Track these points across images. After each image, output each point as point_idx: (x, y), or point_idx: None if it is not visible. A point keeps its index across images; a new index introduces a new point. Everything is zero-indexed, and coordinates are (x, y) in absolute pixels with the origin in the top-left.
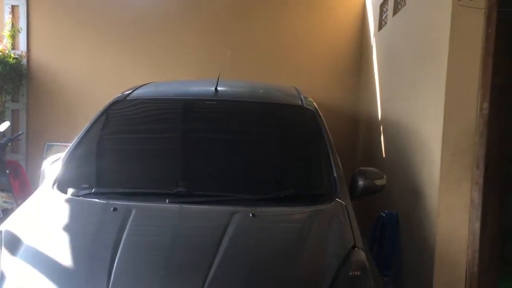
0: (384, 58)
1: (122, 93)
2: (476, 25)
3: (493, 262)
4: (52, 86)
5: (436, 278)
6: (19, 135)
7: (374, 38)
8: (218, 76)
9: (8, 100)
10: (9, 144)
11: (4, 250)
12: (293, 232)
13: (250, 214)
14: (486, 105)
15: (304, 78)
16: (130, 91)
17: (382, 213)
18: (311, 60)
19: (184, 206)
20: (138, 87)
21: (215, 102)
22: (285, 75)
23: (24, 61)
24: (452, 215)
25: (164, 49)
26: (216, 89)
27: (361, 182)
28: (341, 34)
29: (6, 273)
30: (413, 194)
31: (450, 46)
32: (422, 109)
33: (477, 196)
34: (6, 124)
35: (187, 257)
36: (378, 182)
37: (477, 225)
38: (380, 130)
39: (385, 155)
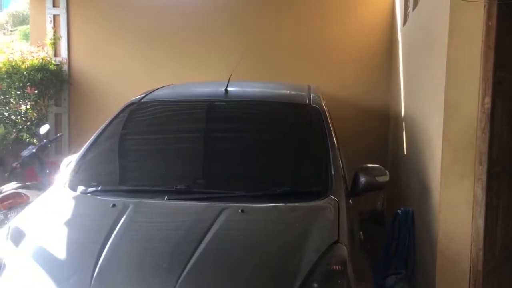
0: (406, 54)
1: (139, 95)
2: (476, 18)
3: (502, 261)
4: (92, 90)
5: (438, 275)
6: (58, 137)
7: (400, 33)
8: (229, 77)
9: (51, 104)
10: (49, 145)
11: (9, 242)
12: (277, 227)
13: (239, 210)
14: (488, 99)
15: (333, 76)
16: (145, 94)
17: (398, 211)
18: (340, 57)
19: (180, 202)
20: (154, 90)
21: (224, 103)
22: (313, 73)
23: (65, 67)
24: (454, 211)
25: (193, 50)
26: (226, 90)
27: (362, 179)
28: (370, 30)
29: (6, 263)
30: (421, 191)
31: (450, 40)
32: (427, 105)
33: (480, 193)
34: (46, 127)
35: (169, 251)
36: (380, 179)
37: (481, 222)
38: (403, 127)
39: (406, 152)
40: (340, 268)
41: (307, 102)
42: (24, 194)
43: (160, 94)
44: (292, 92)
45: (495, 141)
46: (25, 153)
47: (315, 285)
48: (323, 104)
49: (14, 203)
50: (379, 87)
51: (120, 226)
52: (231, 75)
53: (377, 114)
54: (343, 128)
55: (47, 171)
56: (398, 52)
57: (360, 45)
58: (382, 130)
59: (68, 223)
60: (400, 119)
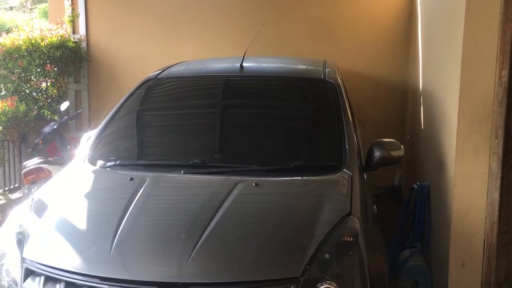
0: (424, 27)
1: (155, 71)
2: None
3: None
4: (110, 67)
5: (452, 248)
6: (78, 113)
7: (419, 6)
8: (244, 53)
9: (71, 81)
10: (70, 122)
11: (32, 213)
12: (290, 200)
13: (253, 184)
14: (505, 72)
15: (351, 51)
16: (161, 70)
17: (414, 185)
18: (359, 31)
19: (196, 176)
20: (170, 66)
21: (238, 79)
22: (330, 48)
23: (84, 44)
24: (469, 185)
25: (210, 26)
26: (241, 65)
27: (377, 153)
28: (389, 3)
29: (30, 233)
30: (437, 165)
31: (467, 12)
32: (444, 78)
33: (496, 166)
34: (66, 104)
35: (185, 223)
36: (395, 153)
37: (496, 195)
38: (421, 101)
39: (423, 127)
40: (352, 239)
41: (322, 77)
42: (47, 169)
43: (176, 70)
44: (307, 67)
45: None
46: (47, 129)
47: (327, 256)
48: (339, 79)
49: (37, 177)
50: (397, 61)
51: (138, 199)
52: (246, 50)
53: (395, 88)
54: (361, 103)
55: (68, 147)
56: (417, 25)
57: (378, 19)
58: (401, 105)
59: (88, 196)
60: (418, 93)
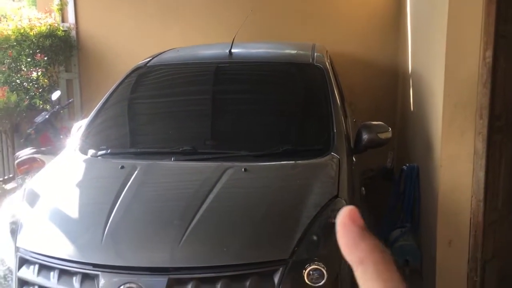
0: (413, 9)
1: (144, 60)
2: None
3: (507, 213)
4: (101, 55)
5: (439, 226)
6: (70, 102)
7: None
8: (233, 39)
9: (62, 70)
10: (62, 111)
11: (25, 203)
12: (279, 184)
13: (242, 169)
14: (489, 53)
15: (342, 34)
16: (151, 58)
17: (403, 167)
18: (349, 14)
19: (186, 163)
20: (160, 54)
21: (227, 65)
22: (320, 32)
23: (73, 33)
24: (455, 165)
25: (200, 12)
26: (230, 51)
27: (365, 136)
28: None
29: (23, 223)
30: (425, 146)
31: None
32: (431, 60)
33: (481, 146)
34: (57, 93)
35: (176, 208)
36: (383, 136)
37: (481, 174)
38: (410, 84)
39: (413, 109)
40: None
41: (311, 61)
42: (40, 159)
43: (165, 57)
44: (296, 52)
45: (498, 96)
46: (39, 119)
47: (315, 238)
48: (327, 63)
49: (30, 168)
50: (388, 44)
51: (129, 187)
52: (234, 36)
53: (386, 71)
54: (352, 86)
55: (61, 136)
56: (407, 8)
57: (368, 1)
58: (391, 88)
59: (79, 185)
60: (407, 75)
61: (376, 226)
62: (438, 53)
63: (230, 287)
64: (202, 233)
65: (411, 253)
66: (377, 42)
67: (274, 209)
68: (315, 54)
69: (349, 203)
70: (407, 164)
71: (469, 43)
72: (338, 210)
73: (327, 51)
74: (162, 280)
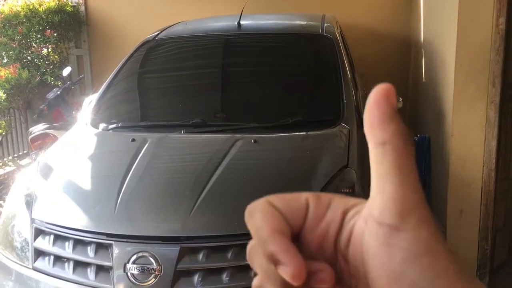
0: None
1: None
2: None
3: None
4: (110, 30)
5: (450, 195)
6: (81, 78)
7: None
8: (242, 11)
9: (72, 46)
10: (73, 87)
11: (39, 176)
12: (288, 154)
13: (252, 140)
14: (502, 20)
15: (352, 4)
16: (160, 31)
17: (415, 137)
18: None
19: (196, 135)
20: (168, 27)
21: (236, 37)
22: (331, 2)
23: (82, 8)
24: (467, 134)
25: None
26: (239, 23)
27: None
28: None
29: (38, 195)
30: (437, 116)
31: None
32: (443, 29)
33: (493, 115)
34: (68, 69)
35: (187, 180)
36: None
37: (493, 143)
38: (422, 54)
39: (424, 79)
40: (349, 190)
41: (320, 32)
42: (53, 134)
43: (174, 30)
44: (305, 23)
45: (511, 64)
46: (50, 95)
47: None
48: (337, 34)
49: (43, 143)
50: (400, 13)
51: (140, 159)
52: (243, 8)
53: (397, 42)
54: (363, 57)
55: (73, 112)
56: None
57: None
58: (403, 58)
59: (91, 157)
60: (419, 45)
61: None
62: (450, 21)
63: (241, 255)
64: (212, 203)
65: None
66: (388, 12)
67: (283, 179)
68: (325, 24)
69: (359, 173)
70: (418, 135)
71: (481, 10)
72: (347, 180)
73: (337, 22)
74: (174, 249)
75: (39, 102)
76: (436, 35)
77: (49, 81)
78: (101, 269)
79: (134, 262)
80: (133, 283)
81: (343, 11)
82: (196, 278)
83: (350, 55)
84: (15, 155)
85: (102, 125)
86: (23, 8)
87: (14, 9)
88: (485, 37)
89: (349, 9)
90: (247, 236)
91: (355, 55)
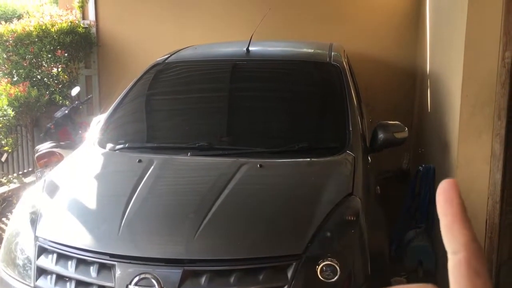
0: (432, 10)
1: (163, 56)
2: None
3: None
4: (120, 52)
5: None
6: (89, 98)
7: None
8: (251, 37)
9: (81, 66)
10: (81, 107)
11: (45, 194)
12: (294, 180)
13: (258, 165)
14: (508, 54)
15: (360, 34)
16: (169, 54)
17: (419, 167)
18: (367, 15)
19: (202, 158)
20: (178, 51)
21: (245, 62)
22: (339, 32)
23: (93, 30)
24: (472, 166)
25: (219, 10)
26: (247, 49)
27: (381, 135)
28: None
29: (43, 213)
30: (442, 147)
31: None
32: (449, 61)
33: (498, 147)
34: (77, 89)
35: (192, 202)
36: (399, 135)
37: (499, 176)
38: (428, 84)
39: (430, 110)
40: (353, 218)
41: (328, 60)
42: (59, 153)
43: (184, 54)
44: (313, 51)
45: None
46: (58, 114)
47: (329, 234)
48: (344, 62)
49: (49, 161)
50: (406, 44)
51: (146, 180)
52: (252, 34)
53: (404, 72)
54: (370, 86)
55: (80, 131)
56: (426, 7)
57: (387, 1)
58: (409, 88)
59: (97, 177)
60: (425, 76)
61: (391, 226)
62: (456, 53)
63: (244, 280)
64: (217, 227)
65: (425, 254)
66: (395, 42)
67: (288, 205)
68: (332, 53)
69: (364, 201)
70: (423, 165)
71: (488, 43)
72: (352, 208)
73: (344, 51)
74: (177, 271)
75: (46, 121)
76: (443, 66)
77: (58, 100)
78: None
79: (136, 284)
80: None
81: (350, 41)
82: None
83: (357, 84)
84: (20, 173)
85: (109, 145)
86: (35, 28)
87: (27, 29)
88: (491, 70)
89: (356, 39)
90: (251, 261)
91: (361, 84)
